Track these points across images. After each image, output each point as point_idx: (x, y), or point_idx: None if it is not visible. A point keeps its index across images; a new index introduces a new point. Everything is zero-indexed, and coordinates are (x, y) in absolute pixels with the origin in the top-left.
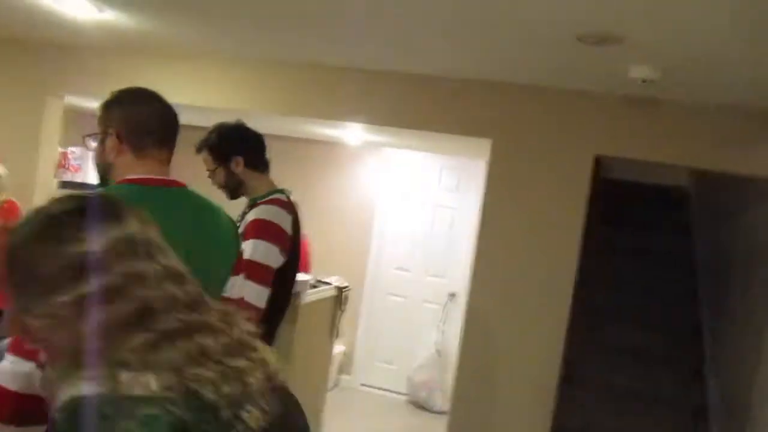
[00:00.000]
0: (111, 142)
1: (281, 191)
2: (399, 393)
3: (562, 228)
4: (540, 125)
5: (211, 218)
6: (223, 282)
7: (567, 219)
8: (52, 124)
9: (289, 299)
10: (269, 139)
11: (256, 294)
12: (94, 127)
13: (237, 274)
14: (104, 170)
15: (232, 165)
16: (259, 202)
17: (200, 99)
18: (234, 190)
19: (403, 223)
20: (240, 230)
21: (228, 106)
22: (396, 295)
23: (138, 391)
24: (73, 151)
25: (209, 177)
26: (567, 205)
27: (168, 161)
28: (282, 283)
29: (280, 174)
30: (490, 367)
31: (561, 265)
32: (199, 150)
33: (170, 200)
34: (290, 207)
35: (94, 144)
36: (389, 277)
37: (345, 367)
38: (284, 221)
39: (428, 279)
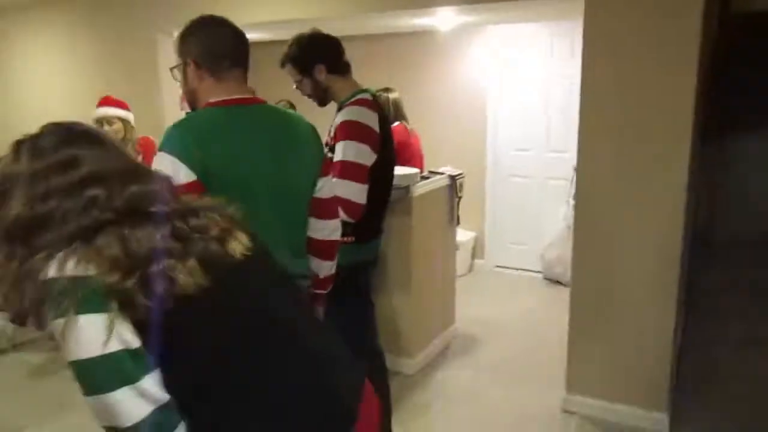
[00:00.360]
0: (190, 70)
1: (365, 91)
2: (534, 271)
3: (671, 82)
4: None
5: (290, 128)
6: (309, 184)
7: (677, 71)
8: (167, 60)
9: (389, 192)
10: (360, 40)
11: (354, 191)
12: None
13: (325, 175)
14: (192, 97)
15: (315, 73)
16: (344, 104)
17: (283, 12)
18: (321, 97)
19: (518, 101)
20: (331, 133)
21: (314, 15)
22: (519, 176)
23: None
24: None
25: (296, 88)
26: (677, 58)
27: (245, 80)
28: (378, 179)
29: (380, 72)
30: (607, 235)
31: (676, 118)
32: (282, 64)
33: (250, 116)
34: (375, 105)
35: (179, 75)
36: (509, 159)
37: (477, 251)
38: (371, 120)
39: (549, 155)
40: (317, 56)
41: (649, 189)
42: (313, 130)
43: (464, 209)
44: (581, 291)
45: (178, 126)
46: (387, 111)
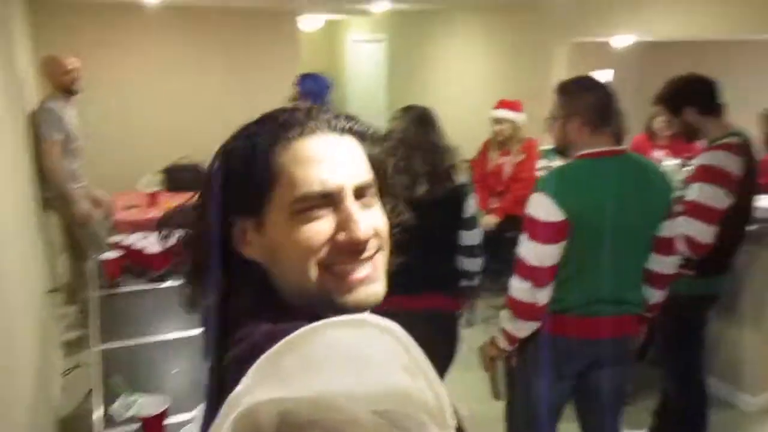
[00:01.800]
0: (572, 125)
1: (735, 134)
2: None
3: None
4: None
5: (645, 174)
6: (655, 224)
7: None
8: (560, 68)
9: (742, 233)
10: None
11: (700, 230)
12: (588, 60)
13: (671, 217)
14: (564, 144)
15: (686, 114)
16: (711, 146)
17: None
18: (690, 136)
19: None
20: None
21: (727, 33)
22: None
23: None
24: None
25: (665, 126)
26: None
27: (612, 135)
28: (731, 219)
29: None
30: None
31: None
32: (655, 103)
33: (615, 166)
34: (740, 150)
35: (556, 124)
36: None
37: None
38: (731, 164)
39: None
40: (688, 99)
41: None
42: (665, 177)
43: None
44: None
45: (559, 174)
46: None
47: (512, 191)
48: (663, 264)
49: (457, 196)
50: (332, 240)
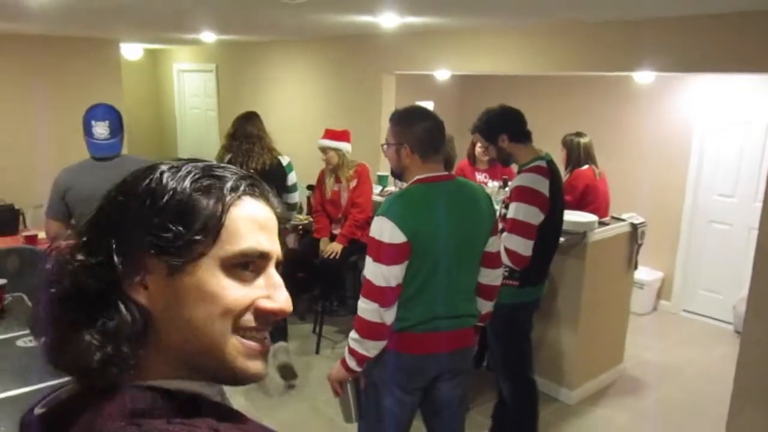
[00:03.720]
0: (404, 152)
1: (542, 158)
2: (725, 321)
3: None
4: None
5: (473, 197)
6: (484, 241)
7: None
8: (388, 95)
9: (555, 245)
10: (573, 79)
11: (520, 244)
12: (413, 90)
13: (494, 234)
14: (400, 171)
15: (500, 142)
16: (522, 170)
17: (501, 67)
18: (504, 160)
19: (726, 146)
20: (508, 192)
21: (524, 69)
22: (719, 222)
23: None
24: None
25: (482, 152)
26: None
27: (442, 161)
28: (545, 234)
29: (590, 111)
30: None
31: None
32: (472, 132)
33: (446, 190)
34: (548, 172)
35: (389, 151)
36: (711, 204)
37: (664, 292)
38: (542, 185)
39: (756, 205)
40: (501, 128)
41: None
42: (489, 199)
43: (654, 249)
44: (751, 350)
45: (399, 199)
46: (576, 154)
47: (351, 217)
48: (491, 276)
49: (282, 169)
50: (254, 305)
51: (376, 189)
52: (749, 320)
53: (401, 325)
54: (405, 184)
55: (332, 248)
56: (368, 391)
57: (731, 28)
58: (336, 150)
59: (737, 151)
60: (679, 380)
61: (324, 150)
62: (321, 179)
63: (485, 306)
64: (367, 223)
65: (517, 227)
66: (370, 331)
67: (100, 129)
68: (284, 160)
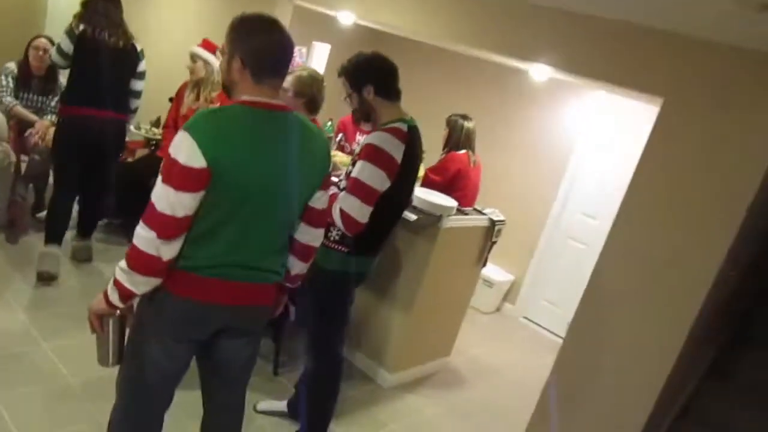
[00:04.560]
0: (236, 64)
1: (405, 121)
2: (558, 336)
3: (718, 215)
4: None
5: (306, 139)
6: (309, 193)
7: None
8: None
9: (395, 220)
10: (461, 58)
11: (357, 208)
12: (319, 27)
13: (324, 189)
14: (229, 85)
15: (364, 92)
16: (380, 128)
17: (402, 24)
18: (365, 114)
19: (599, 169)
20: (357, 149)
21: (423, 33)
22: (576, 241)
23: None
24: (300, 49)
25: (344, 100)
26: (729, 195)
27: (279, 87)
28: (387, 204)
29: (483, 98)
30: (600, 339)
31: (710, 251)
32: (339, 75)
33: (274, 122)
34: (405, 137)
35: (222, 60)
36: (573, 221)
37: (511, 295)
38: (395, 149)
39: None
40: (369, 77)
41: (665, 295)
42: (327, 147)
43: (511, 251)
44: (563, 369)
45: (208, 116)
46: (457, 136)
47: None
48: (310, 235)
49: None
50: None
51: None
52: (567, 340)
53: (183, 263)
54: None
55: None
56: (134, 333)
57: (619, 37)
58: (206, 62)
59: (606, 173)
60: (496, 382)
61: (193, 58)
62: (180, 93)
63: (296, 266)
64: None
65: (357, 188)
66: (141, 263)
67: None
68: (138, 46)
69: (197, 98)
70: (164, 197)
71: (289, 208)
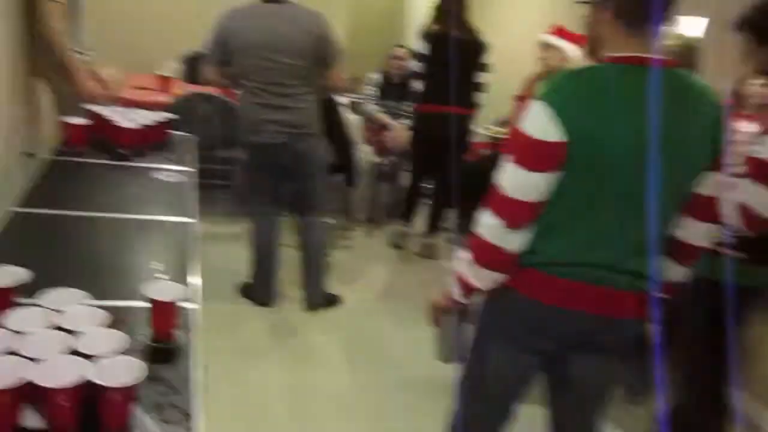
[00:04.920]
0: (605, 15)
1: None
2: None
3: None
4: None
5: (692, 102)
6: (694, 173)
7: None
8: None
9: None
10: None
11: (763, 200)
12: None
13: (715, 170)
14: (594, 43)
15: None
16: None
17: None
18: None
19: None
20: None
21: None
22: None
23: None
24: None
25: (743, 60)
26: None
27: (655, 37)
28: None
29: None
30: None
31: None
32: (738, 27)
33: (647, 81)
34: None
35: (589, 11)
36: None
37: None
38: None
39: None
40: None
41: None
42: (719, 111)
43: None
44: None
45: (569, 79)
46: None
47: None
48: (695, 231)
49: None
50: None
51: None
52: None
53: (533, 259)
54: None
55: None
56: (477, 334)
57: None
58: (562, 52)
59: None
60: None
61: (546, 47)
62: (529, 87)
63: (674, 271)
64: None
65: (764, 172)
66: (485, 254)
67: None
68: (482, 39)
69: None
70: (512, 178)
71: (671, 195)
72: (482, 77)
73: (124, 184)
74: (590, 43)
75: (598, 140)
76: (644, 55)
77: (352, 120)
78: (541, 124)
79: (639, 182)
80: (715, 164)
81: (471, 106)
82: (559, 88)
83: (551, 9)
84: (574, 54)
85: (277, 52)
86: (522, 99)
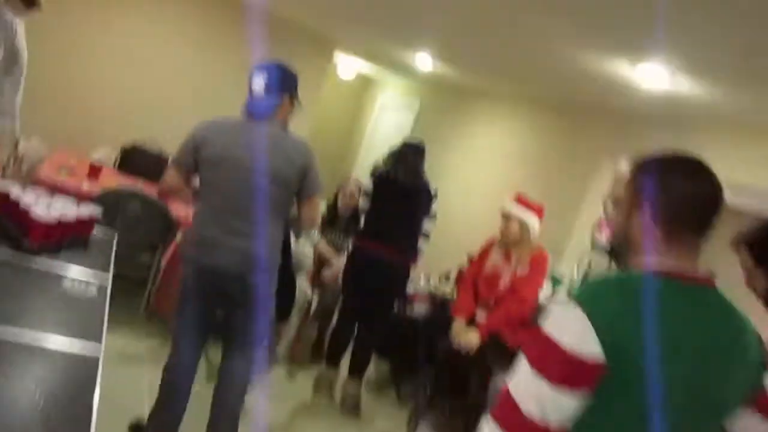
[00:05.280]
0: (641, 217)
1: None
2: None
3: None
4: None
5: (733, 331)
6: (727, 410)
7: None
8: (600, 186)
9: None
10: None
11: None
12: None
13: (758, 410)
14: (621, 245)
15: None
16: None
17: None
18: None
19: None
20: None
21: None
22: None
23: None
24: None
25: (743, 278)
26: None
27: (700, 251)
28: None
29: None
30: None
31: None
32: (735, 244)
33: (691, 299)
34: None
35: (616, 210)
36: None
37: None
38: None
39: None
40: None
41: None
42: (760, 341)
43: None
44: None
45: (606, 286)
46: None
47: (504, 307)
48: None
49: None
50: None
51: (545, 289)
52: None
53: None
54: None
55: (468, 340)
56: None
57: None
58: (522, 223)
59: None
60: None
61: (507, 217)
62: (486, 249)
63: None
64: (521, 324)
65: None
66: None
67: (257, 82)
68: (432, 187)
69: (506, 259)
70: (533, 392)
71: (705, 426)
72: (426, 224)
73: (20, 291)
74: (617, 243)
75: (642, 363)
76: (688, 273)
77: (299, 248)
78: (576, 332)
79: (692, 416)
80: (758, 401)
81: (410, 250)
82: (598, 294)
83: (512, 170)
84: (533, 225)
85: (249, 172)
86: (479, 259)
